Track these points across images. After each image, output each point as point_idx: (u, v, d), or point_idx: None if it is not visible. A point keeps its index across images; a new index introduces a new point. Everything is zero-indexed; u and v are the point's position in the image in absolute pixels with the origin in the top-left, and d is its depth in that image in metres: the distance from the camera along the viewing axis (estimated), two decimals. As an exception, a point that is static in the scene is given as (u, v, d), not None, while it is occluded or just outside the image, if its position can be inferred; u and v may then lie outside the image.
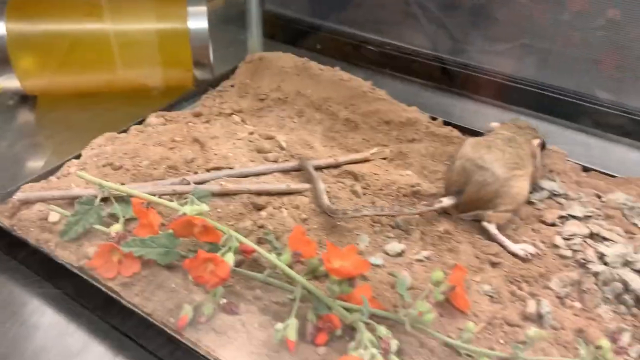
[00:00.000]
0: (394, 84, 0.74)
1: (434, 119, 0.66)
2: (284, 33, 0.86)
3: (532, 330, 0.37)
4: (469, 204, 0.50)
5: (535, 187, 0.54)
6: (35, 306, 0.46)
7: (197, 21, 0.70)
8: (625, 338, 0.40)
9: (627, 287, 0.44)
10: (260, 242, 0.48)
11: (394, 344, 0.38)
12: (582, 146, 0.65)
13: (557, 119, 0.69)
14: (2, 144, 0.65)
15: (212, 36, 0.71)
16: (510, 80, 0.73)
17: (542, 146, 0.54)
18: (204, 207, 0.41)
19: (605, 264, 0.46)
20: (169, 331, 0.41)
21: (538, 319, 0.42)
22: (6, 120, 0.69)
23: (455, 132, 0.64)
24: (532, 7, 0.74)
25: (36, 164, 0.62)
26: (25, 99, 0.72)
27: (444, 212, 0.52)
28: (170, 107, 0.68)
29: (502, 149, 0.50)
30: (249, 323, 0.42)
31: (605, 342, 0.37)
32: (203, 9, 0.70)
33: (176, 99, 0.70)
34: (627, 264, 0.45)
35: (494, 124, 0.56)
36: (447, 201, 0.50)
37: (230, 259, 0.40)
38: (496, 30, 0.76)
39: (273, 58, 0.73)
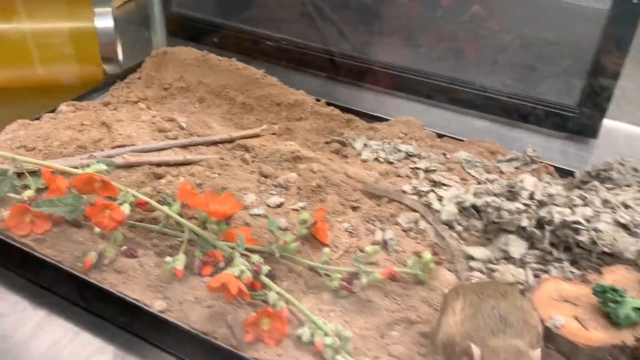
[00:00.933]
0: (287, 74, 0.84)
1: (318, 100, 0.76)
2: (187, 31, 0.94)
3: (370, 247, 0.47)
4: None
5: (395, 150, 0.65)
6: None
7: (104, 20, 0.77)
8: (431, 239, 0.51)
9: (456, 220, 0.55)
10: (159, 203, 0.56)
11: (265, 268, 0.47)
12: (441, 119, 0.77)
13: (422, 98, 0.81)
14: None
15: (122, 36, 0.79)
16: (387, 67, 0.84)
17: None
18: (102, 166, 0.49)
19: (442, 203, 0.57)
20: (76, 273, 0.48)
21: (384, 245, 0.52)
22: None
23: (337, 111, 0.74)
24: (409, 6, 0.86)
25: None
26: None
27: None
28: (80, 98, 0.75)
29: None
30: (146, 264, 0.50)
31: (427, 254, 0.48)
32: (109, 9, 0.77)
33: (86, 90, 0.76)
34: (458, 202, 0.56)
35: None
36: None
37: (125, 208, 0.48)
38: (378, 26, 0.87)
39: (176, 52, 0.81)
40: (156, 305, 0.46)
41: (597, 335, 0.41)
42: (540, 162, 0.65)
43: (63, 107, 0.71)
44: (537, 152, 0.65)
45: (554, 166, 0.65)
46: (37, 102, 0.73)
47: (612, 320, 0.41)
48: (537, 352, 0.36)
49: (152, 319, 0.46)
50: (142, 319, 0.46)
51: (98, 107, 0.72)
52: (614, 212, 0.49)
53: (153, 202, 0.50)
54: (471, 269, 0.51)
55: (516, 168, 0.64)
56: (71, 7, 0.78)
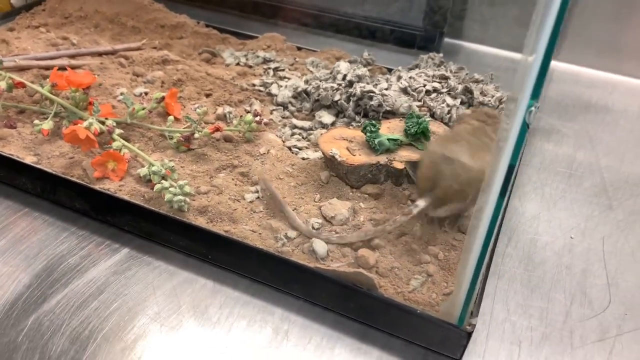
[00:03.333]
0: (174, 4, 0.94)
1: (198, 23, 0.87)
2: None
3: (201, 109, 0.59)
4: (444, 199, 0.47)
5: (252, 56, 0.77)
6: None
7: (7, -44, 0.86)
8: (257, 107, 0.63)
9: (290, 102, 0.68)
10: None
11: (117, 130, 0.59)
12: (307, 40, 0.89)
13: (292, 24, 0.92)
14: None
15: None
16: (270, 0, 0.95)
17: None
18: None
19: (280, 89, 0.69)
20: (-37, 139, 0.59)
21: (224, 117, 0.64)
22: None
23: (214, 32, 0.85)
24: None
25: None
26: None
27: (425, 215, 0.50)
28: (-14, 24, 0.84)
29: (467, 139, 0.49)
30: (23, 132, 0.61)
31: (249, 116, 0.60)
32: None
33: (-8, 18, 0.86)
34: (294, 89, 0.69)
35: (466, 112, 0.58)
36: (422, 203, 0.47)
37: (2, 84, 0.59)
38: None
39: (76, -14, 0.92)
40: (28, 159, 0.57)
41: (360, 158, 0.54)
42: (375, 64, 0.77)
43: (-32, 29, 0.80)
44: (371, 55, 0.78)
45: (387, 68, 0.77)
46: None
47: (372, 148, 0.54)
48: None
49: (26, 170, 0.57)
50: (19, 172, 0.57)
51: (2, 31, 0.82)
52: (400, 82, 0.62)
53: (28, 83, 0.61)
54: (293, 134, 0.63)
55: (354, 66, 0.76)
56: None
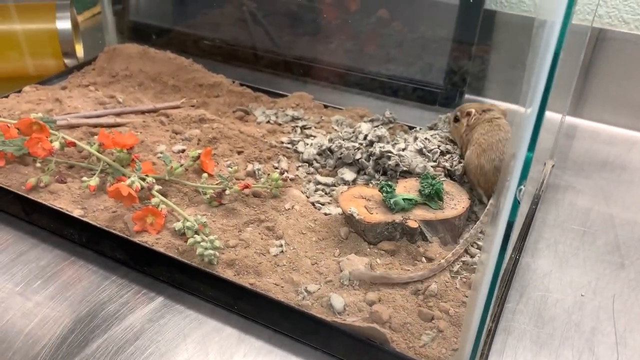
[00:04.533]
0: (213, 63, 1.02)
1: (233, 82, 0.94)
2: (140, 34, 1.12)
3: (231, 167, 0.64)
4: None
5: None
6: None
7: (63, 23, 0.96)
8: (284, 164, 0.68)
9: (314, 159, 0.72)
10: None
11: (156, 186, 0.64)
12: (332, 95, 0.94)
13: (321, 82, 0.98)
14: None
15: (86, 39, 0.98)
16: (299, 59, 1.02)
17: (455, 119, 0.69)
18: (39, 115, 0.67)
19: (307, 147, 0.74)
20: (20, 193, 0.66)
21: (253, 174, 0.70)
22: None
23: (248, 90, 0.92)
24: (326, 10, 1.05)
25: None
26: None
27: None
28: (42, 83, 0.93)
29: (503, 137, 0.62)
30: (73, 187, 0.67)
31: (275, 174, 0.65)
32: (67, 14, 0.96)
33: (47, 77, 0.95)
34: (318, 146, 0.74)
35: (472, 110, 0.67)
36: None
37: (56, 144, 0.65)
38: (299, 27, 1.06)
39: (123, 48, 1.00)
40: (76, 212, 0.63)
41: (377, 217, 0.58)
42: (397, 122, 0.82)
43: (27, 88, 0.89)
44: (393, 114, 0.82)
45: (408, 125, 0.82)
46: (9, 86, 0.91)
47: (388, 207, 0.58)
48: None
49: (74, 222, 0.63)
50: (68, 223, 0.63)
51: (55, 89, 0.90)
52: (416, 143, 0.67)
53: (78, 142, 0.68)
54: (317, 190, 0.68)
55: (375, 126, 0.81)
56: (38, 14, 0.97)
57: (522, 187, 0.35)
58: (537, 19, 0.46)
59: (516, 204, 0.36)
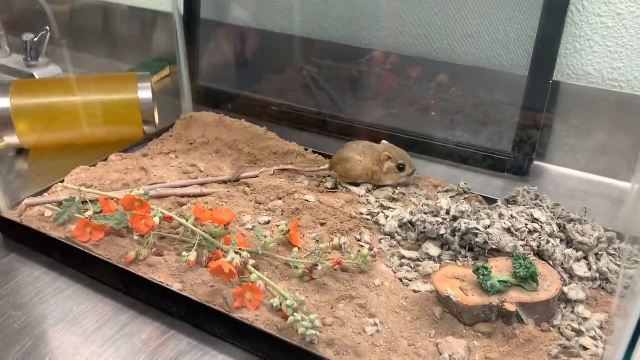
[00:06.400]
0: (284, 130, 1.06)
1: (307, 149, 0.97)
2: (209, 100, 1.18)
3: (322, 244, 0.67)
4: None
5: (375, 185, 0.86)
6: (36, 269, 0.73)
7: (144, 93, 1.01)
8: (367, 237, 0.70)
9: (396, 232, 0.74)
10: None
11: (251, 261, 0.67)
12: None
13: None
14: (9, 178, 0.93)
15: (159, 104, 1.03)
16: (365, 125, 1.05)
17: (399, 167, 0.84)
18: (141, 192, 0.71)
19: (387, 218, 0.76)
20: (120, 265, 0.69)
21: (340, 247, 0.72)
22: (9, 164, 0.98)
23: (320, 157, 0.95)
24: (386, 77, 1.09)
25: (34, 190, 0.90)
26: (21, 151, 1.01)
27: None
28: (126, 151, 0.98)
29: (360, 149, 0.86)
30: (170, 260, 0.70)
31: (364, 250, 0.67)
32: (148, 84, 1.02)
33: (130, 145, 1.00)
34: (399, 220, 0.76)
35: (384, 142, 0.89)
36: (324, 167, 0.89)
37: (156, 219, 0.69)
38: (361, 93, 1.10)
39: (200, 116, 1.05)
40: (175, 286, 0.66)
41: (474, 299, 0.59)
42: (472, 192, 0.84)
43: (113, 156, 0.94)
44: (468, 184, 0.84)
45: (483, 196, 0.84)
46: (95, 153, 0.96)
47: (484, 289, 0.59)
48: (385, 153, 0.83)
49: (173, 296, 0.65)
50: (167, 297, 0.66)
51: (139, 157, 0.95)
52: (502, 221, 0.68)
53: (175, 217, 0.71)
54: (402, 264, 0.70)
55: (451, 197, 0.83)
56: (122, 84, 1.03)
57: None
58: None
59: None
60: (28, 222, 0.77)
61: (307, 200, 0.81)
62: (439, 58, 1.03)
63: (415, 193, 0.84)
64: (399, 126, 1.04)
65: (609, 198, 0.88)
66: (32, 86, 1.03)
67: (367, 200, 0.82)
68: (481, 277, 0.59)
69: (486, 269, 0.60)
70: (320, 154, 0.96)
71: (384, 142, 0.89)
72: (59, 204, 0.79)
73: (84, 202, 0.77)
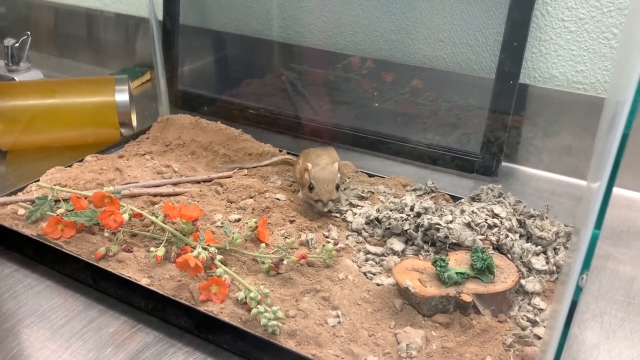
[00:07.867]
0: (260, 132, 1.08)
1: (281, 151, 0.99)
2: (188, 104, 1.20)
3: (289, 239, 0.68)
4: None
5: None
6: (7, 267, 0.74)
7: (121, 95, 1.03)
8: (334, 234, 0.72)
9: (363, 229, 0.76)
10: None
11: (218, 257, 0.68)
12: (376, 163, 0.99)
13: (362, 149, 1.03)
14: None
15: (138, 107, 1.04)
16: (338, 127, 1.07)
17: (309, 187, 0.79)
18: (111, 188, 0.72)
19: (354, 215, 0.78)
20: (90, 261, 0.70)
21: (307, 243, 0.73)
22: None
23: (294, 158, 0.97)
24: (362, 81, 1.11)
25: (8, 189, 0.91)
26: (-1, 153, 1.02)
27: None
28: (102, 152, 0.99)
29: (316, 153, 0.85)
30: (139, 256, 0.71)
31: (330, 245, 0.69)
32: (125, 87, 1.03)
33: (106, 146, 1.01)
34: (366, 217, 0.77)
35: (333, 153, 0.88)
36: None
37: (125, 216, 0.70)
38: (337, 96, 1.12)
39: (176, 118, 1.07)
40: (143, 281, 0.67)
41: (432, 290, 0.61)
42: (439, 191, 0.86)
43: (88, 157, 0.95)
44: (435, 183, 0.86)
45: (450, 194, 0.86)
46: (72, 155, 0.97)
47: (441, 280, 0.61)
48: (336, 165, 0.80)
49: (141, 291, 0.66)
50: (135, 291, 0.67)
51: (114, 158, 0.96)
52: (463, 217, 0.70)
53: (144, 213, 0.73)
54: (367, 259, 0.71)
55: (418, 196, 0.85)
56: (99, 87, 1.04)
57: (584, 275, 0.38)
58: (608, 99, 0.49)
59: (578, 289, 0.39)
60: (1, 220, 0.78)
61: (277, 199, 0.83)
62: (412, 62, 1.05)
63: (384, 192, 0.86)
64: (371, 128, 1.06)
65: (573, 197, 0.91)
66: (9, 88, 1.04)
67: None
68: (438, 268, 0.61)
69: (443, 260, 0.61)
70: (293, 154, 0.98)
71: (332, 153, 0.88)
72: (32, 202, 0.80)
73: (57, 201, 0.78)
